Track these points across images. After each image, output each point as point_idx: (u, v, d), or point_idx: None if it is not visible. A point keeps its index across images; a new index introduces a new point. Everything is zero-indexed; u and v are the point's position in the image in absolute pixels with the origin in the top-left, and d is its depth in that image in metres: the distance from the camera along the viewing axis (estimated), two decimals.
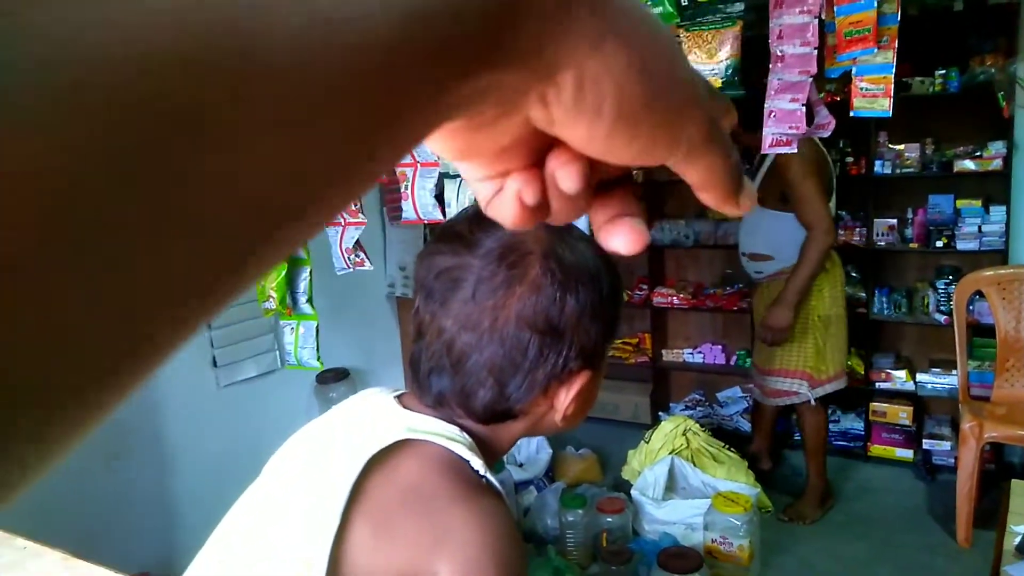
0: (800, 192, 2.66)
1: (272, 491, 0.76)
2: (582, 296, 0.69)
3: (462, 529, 0.64)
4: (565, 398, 0.72)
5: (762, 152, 1.80)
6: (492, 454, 0.75)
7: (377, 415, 0.75)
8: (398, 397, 0.78)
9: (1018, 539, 1.80)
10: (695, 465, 3.03)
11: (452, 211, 2.13)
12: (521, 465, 3.33)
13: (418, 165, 2.20)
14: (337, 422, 0.77)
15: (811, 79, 1.62)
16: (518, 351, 0.68)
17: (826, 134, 1.87)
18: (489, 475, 0.69)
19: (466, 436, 0.71)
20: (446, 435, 0.70)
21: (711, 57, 1.63)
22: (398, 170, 2.24)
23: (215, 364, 2.99)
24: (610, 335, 0.74)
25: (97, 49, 0.12)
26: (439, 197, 2.18)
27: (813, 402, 2.89)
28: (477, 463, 0.68)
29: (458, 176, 2.11)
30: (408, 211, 2.22)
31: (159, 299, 0.14)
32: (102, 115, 0.12)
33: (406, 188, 2.22)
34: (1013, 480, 2.20)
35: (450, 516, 0.65)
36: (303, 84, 0.15)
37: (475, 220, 0.71)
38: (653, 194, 4.04)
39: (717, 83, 1.63)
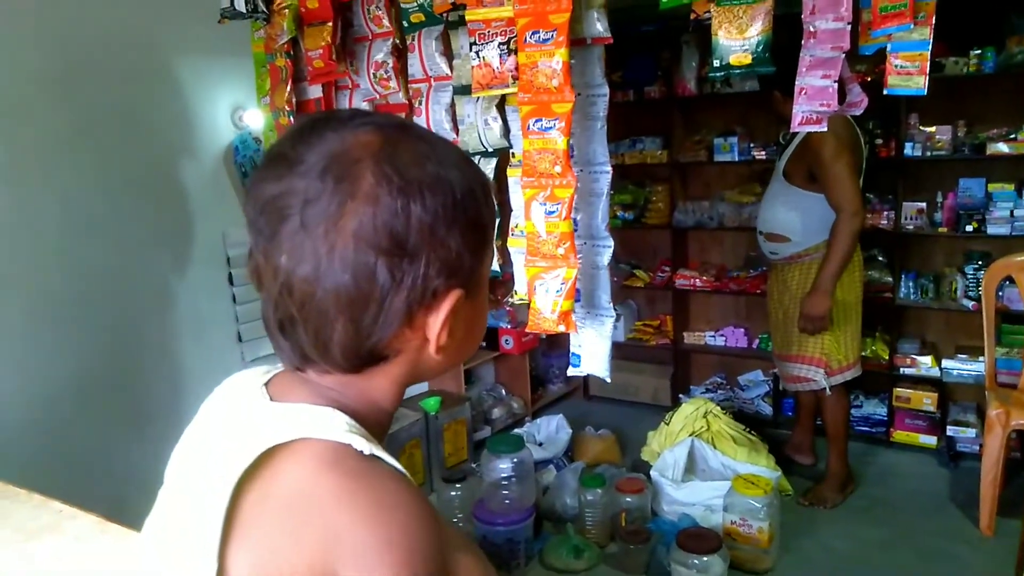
0: (832, 172, 2.61)
1: (156, 520, 0.67)
2: (429, 202, 0.59)
3: (353, 531, 0.55)
4: (435, 324, 0.62)
5: (792, 130, 1.77)
6: (378, 421, 0.67)
7: (242, 417, 0.63)
8: (267, 383, 0.67)
9: None
10: (715, 447, 3.03)
11: (466, 127, 2.09)
12: (541, 444, 3.35)
13: (432, 80, 2.16)
14: (207, 428, 0.67)
15: (844, 55, 1.59)
16: (365, 278, 0.58)
17: (859, 112, 1.83)
18: (377, 450, 0.59)
19: (340, 414, 0.61)
20: (319, 423, 0.60)
21: (742, 33, 1.61)
22: (412, 87, 2.19)
23: (240, 339, 3.03)
24: (479, 244, 0.64)
25: None
26: (453, 115, 2.15)
27: (828, 391, 2.87)
28: (360, 443, 0.58)
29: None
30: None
31: None
32: None
33: (420, 104, 2.17)
34: None
35: (337, 520, 0.55)
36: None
37: (298, 135, 0.62)
38: (677, 175, 4.01)
39: (747, 59, 1.60)
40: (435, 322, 0.62)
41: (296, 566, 0.55)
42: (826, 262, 2.68)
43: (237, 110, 2.98)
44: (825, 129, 1.72)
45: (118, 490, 2.26)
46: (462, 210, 0.61)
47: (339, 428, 0.59)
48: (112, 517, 1.37)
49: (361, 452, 0.58)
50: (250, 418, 0.62)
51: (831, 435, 2.99)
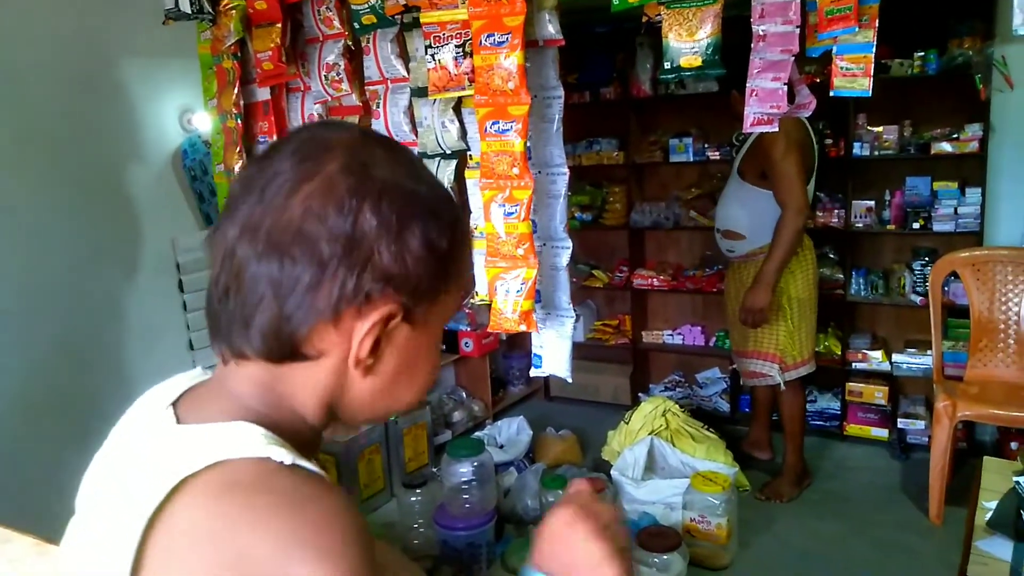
0: (780, 169, 2.68)
1: (68, 552, 0.64)
2: (385, 208, 0.57)
3: (272, 559, 0.51)
4: (360, 330, 0.59)
5: (744, 131, 1.79)
6: (297, 432, 0.62)
7: (149, 446, 0.60)
8: (177, 400, 0.64)
9: (989, 515, 1.83)
10: (674, 445, 3.06)
11: (424, 130, 2.08)
12: (502, 447, 3.34)
13: (388, 82, 2.14)
14: (115, 458, 0.63)
15: (793, 58, 1.62)
16: (300, 260, 0.56)
17: (807, 113, 1.87)
18: (300, 459, 0.56)
19: (253, 427, 0.58)
20: (232, 442, 0.56)
21: (692, 35, 1.62)
22: (369, 89, 2.16)
23: (191, 347, 2.96)
24: (437, 271, 0.61)
25: None
26: (411, 117, 2.12)
27: (783, 386, 2.93)
28: (279, 453, 0.55)
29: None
30: (380, 131, 2.19)
31: None
32: None
33: (378, 107, 2.15)
34: (985, 457, 2.24)
35: (255, 546, 0.51)
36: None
37: (295, 132, 0.62)
38: (633, 176, 4.04)
39: (698, 61, 1.62)
40: (360, 327, 0.59)
41: None
42: (770, 257, 2.74)
43: (185, 113, 2.91)
44: (776, 129, 1.75)
45: (66, 508, 2.19)
46: (419, 228, 0.59)
47: (255, 443, 0.56)
48: (56, 538, 1.31)
49: (281, 463, 0.55)
50: (156, 448, 0.59)
51: (788, 430, 3.04)
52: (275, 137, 2.24)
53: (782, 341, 2.90)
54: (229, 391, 0.62)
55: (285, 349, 0.59)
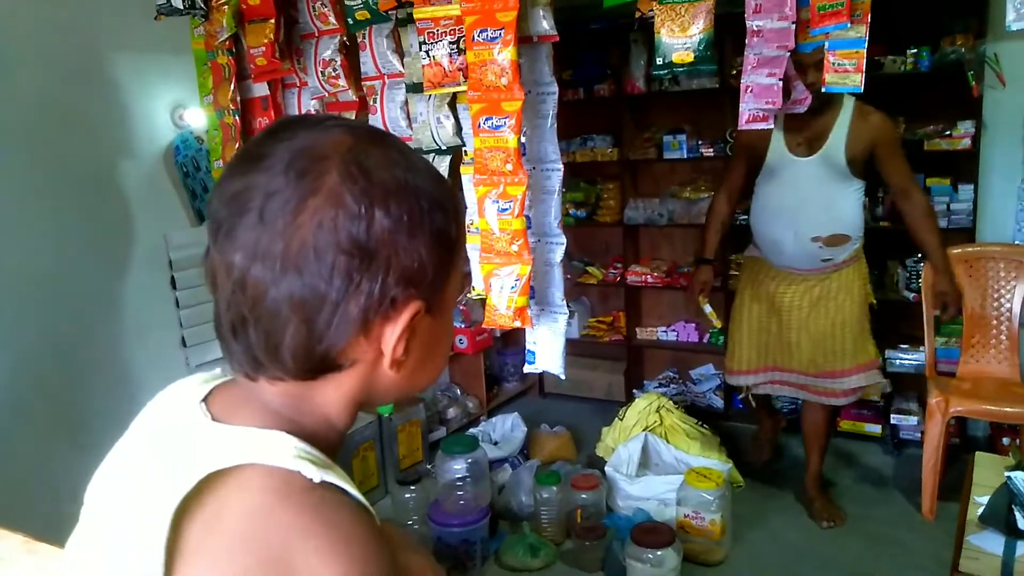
0: (898, 152, 2.63)
1: (82, 545, 0.63)
2: (394, 208, 0.57)
3: (307, 568, 0.52)
4: (391, 336, 0.59)
5: (739, 128, 1.79)
6: (329, 440, 0.63)
7: (180, 438, 0.60)
8: (207, 397, 0.63)
9: (981, 510, 1.85)
10: (668, 441, 3.06)
11: (419, 125, 2.07)
12: (496, 443, 3.34)
13: (385, 78, 2.13)
14: (141, 448, 0.63)
15: (788, 54, 1.62)
16: (321, 278, 0.55)
17: (802, 109, 1.87)
18: (328, 475, 0.56)
19: (289, 438, 0.58)
20: (266, 448, 0.56)
21: (684, 31, 1.62)
22: (365, 84, 2.16)
23: (184, 344, 2.95)
24: (444, 260, 0.62)
25: None
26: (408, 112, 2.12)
27: (888, 388, 2.98)
28: (309, 470, 0.55)
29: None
30: (377, 126, 2.19)
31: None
32: None
33: (375, 102, 2.15)
34: (977, 452, 2.25)
35: (291, 557, 0.52)
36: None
37: (269, 133, 0.60)
38: (627, 173, 4.04)
39: (690, 57, 1.62)
40: (391, 333, 0.59)
41: None
42: (939, 243, 2.68)
43: (177, 108, 2.89)
44: (771, 126, 1.75)
45: (56, 505, 2.18)
46: (428, 221, 0.59)
47: (287, 454, 0.56)
48: (45, 536, 1.31)
49: (311, 480, 0.55)
50: (189, 440, 0.59)
51: (820, 439, 2.88)
52: None
53: (872, 344, 2.78)
54: (259, 398, 0.62)
55: (317, 367, 0.60)
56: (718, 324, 2.99)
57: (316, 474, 0.55)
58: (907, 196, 2.64)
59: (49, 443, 2.47)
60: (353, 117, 2.18)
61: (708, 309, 2.86)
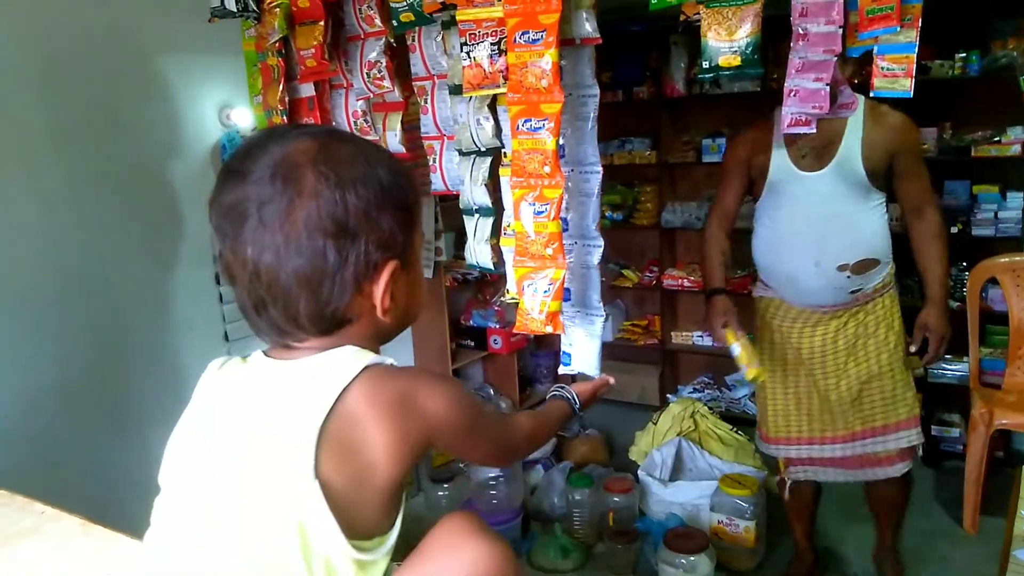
0: (922, 163, 2.23)
1: (200, 492, 0.76)
2: (362, 192, 0.74)
3: (430, 394, 0.77)
4: (378, 291, 0.77)
5: (783, 131, 1.77)
6: None
7: (289, 374, 0.77)
8: (260, 356, 0.82)
9: None
10: (702, 447, 3.04)
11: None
12: None
13: (444, 138, 2.18)
14: (235, 401, 0.78)
15: (836, 58, 1.60)
16: (318, 258, 0.72)
17: (850, 114, 1.84)
18: (391, 359, 0.79)
19: (355, 346, 0.78)
20: (359, 353, 0.76)
21: (731, 35, 1.61)
22: (426, 143, 2.22)
23: (227, 339, 3.01)
24: (408, 223, 0.79)
25: None
26: None
27: (921, 452, 2.34)
28: (387, 360, 0.78)
29: (471, 153, 2.09)
30: (437, 182, 2.25)
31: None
32: None
33: (434, 161, 2.22)
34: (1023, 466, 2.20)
35: (408, 389, 0.75)
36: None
37: (245, 152, 0.75)
38: (665, 176, 4.02)
39: (737, 61, 1.61)
40: (378, 289, 0.77)
41: (387, 433, 0.72)
42: (942, 272, 2.20)
43: (224, 108, 2.96)
44: (814, 130, 1.73)
45: (102, 492, 2.24)
46: (390, 197, 0.76)
47: (367, 357, 0.76)
48: (95, 519, 1.35)
49: (392, 363, 0.78)
50: (302, 370, 0.75)
51: (900, 508, 2.46)
52: None
53: (912, 396, 2.29)
54: (303, 348, 0.79)
55: (331, 324, 0.77)
56: (751, 374, 2.14)
57: (389, 360, 0.78)
58: (920, 215, 2.20)
59: (95, 434, 2.54)
60: (400, 117, 2.22)
61: (737, 351, 2.20)
